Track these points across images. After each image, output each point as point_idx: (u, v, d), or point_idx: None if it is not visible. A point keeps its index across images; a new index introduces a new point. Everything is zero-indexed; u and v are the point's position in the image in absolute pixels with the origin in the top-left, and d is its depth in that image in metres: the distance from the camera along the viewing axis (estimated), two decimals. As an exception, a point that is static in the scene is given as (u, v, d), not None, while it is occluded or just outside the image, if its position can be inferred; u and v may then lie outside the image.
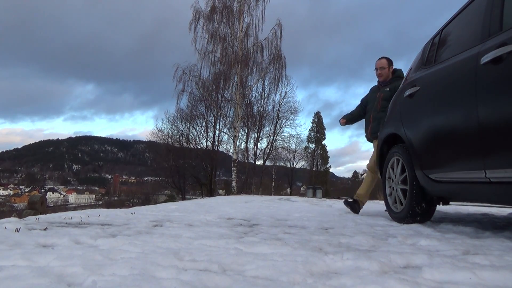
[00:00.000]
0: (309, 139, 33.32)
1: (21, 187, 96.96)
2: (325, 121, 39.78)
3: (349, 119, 4.28)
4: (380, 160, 3.56)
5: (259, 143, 22.72)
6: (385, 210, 3.48)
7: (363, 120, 4.32)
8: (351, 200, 4.13)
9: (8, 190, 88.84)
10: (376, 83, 4.08)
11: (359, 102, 4.29)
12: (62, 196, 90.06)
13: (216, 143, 22.34)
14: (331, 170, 39.06)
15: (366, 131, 4.09)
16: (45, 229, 2.18)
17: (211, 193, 20.26)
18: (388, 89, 3.81)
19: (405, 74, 3.41)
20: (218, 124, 22.14)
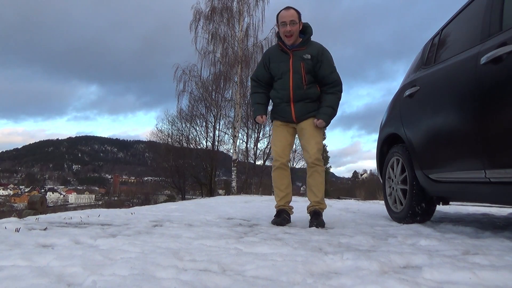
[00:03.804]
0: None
1: (21, 187, 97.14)
2: (325, 121, 39.65)
3: (265, 112, 3.18)
4: (380, 160, 3.56)
5: (259, 143, 22.71)
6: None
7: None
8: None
9: (8, 190, 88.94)
10: (279, 46, 2.92)
11: (253, 81, 3.14)
12: (62, 196, 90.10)
13: (216, 143, 22.33)
14: (331, 170, 39.01)
15: (282, 115, 3.04)
16: (45, 229, 2.18)
17: (211, 193, 20.25)
18: (308, 56, 2.84)
19: (404, 76, 3.40)
20: (218, 124, 22.14)
